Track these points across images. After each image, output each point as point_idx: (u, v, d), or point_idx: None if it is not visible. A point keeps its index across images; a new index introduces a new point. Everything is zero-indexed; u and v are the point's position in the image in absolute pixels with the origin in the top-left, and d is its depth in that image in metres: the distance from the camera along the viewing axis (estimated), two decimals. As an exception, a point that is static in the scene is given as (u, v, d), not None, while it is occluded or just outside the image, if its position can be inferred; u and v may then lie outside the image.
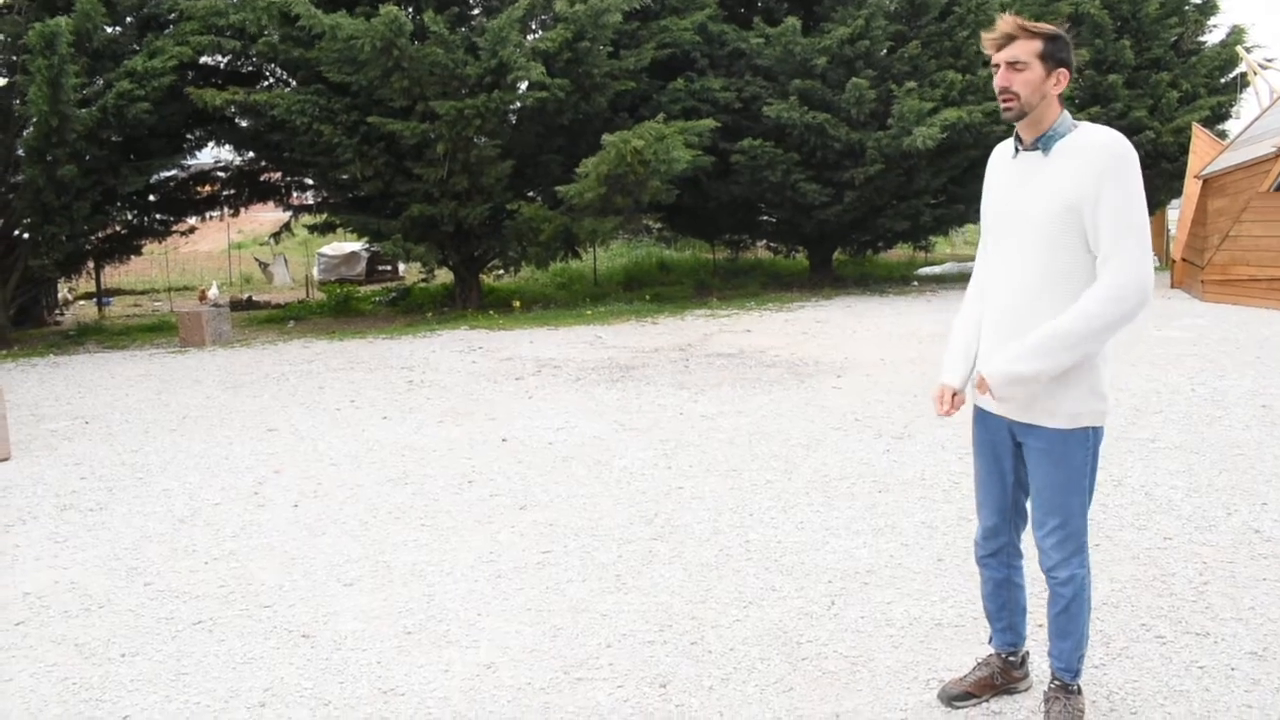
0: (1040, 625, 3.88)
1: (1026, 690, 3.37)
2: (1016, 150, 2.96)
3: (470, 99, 14.39)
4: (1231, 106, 22.65)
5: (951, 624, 3.93)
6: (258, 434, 7.87)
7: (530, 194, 17.16)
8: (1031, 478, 3.05)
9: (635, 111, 16.73)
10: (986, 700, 3.31)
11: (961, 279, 19.97)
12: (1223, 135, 20.20)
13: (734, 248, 24.22)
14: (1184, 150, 19.18)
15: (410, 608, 4.28)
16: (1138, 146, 19.53)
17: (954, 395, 3.17)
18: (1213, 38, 22.68)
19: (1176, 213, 20.75)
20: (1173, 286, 18.05)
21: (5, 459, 7.26)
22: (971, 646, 3.72)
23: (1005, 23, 2.85)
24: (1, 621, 4.29)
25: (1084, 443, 2.95)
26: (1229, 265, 15.15)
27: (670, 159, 14.58)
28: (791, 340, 12.09)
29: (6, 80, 15.00)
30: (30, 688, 3.67)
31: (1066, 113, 2.89)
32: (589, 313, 16.04)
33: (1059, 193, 2.80)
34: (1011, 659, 3.34)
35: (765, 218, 20.31)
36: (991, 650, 3.38)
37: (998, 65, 2.87)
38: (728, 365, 10.38)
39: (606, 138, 14.39)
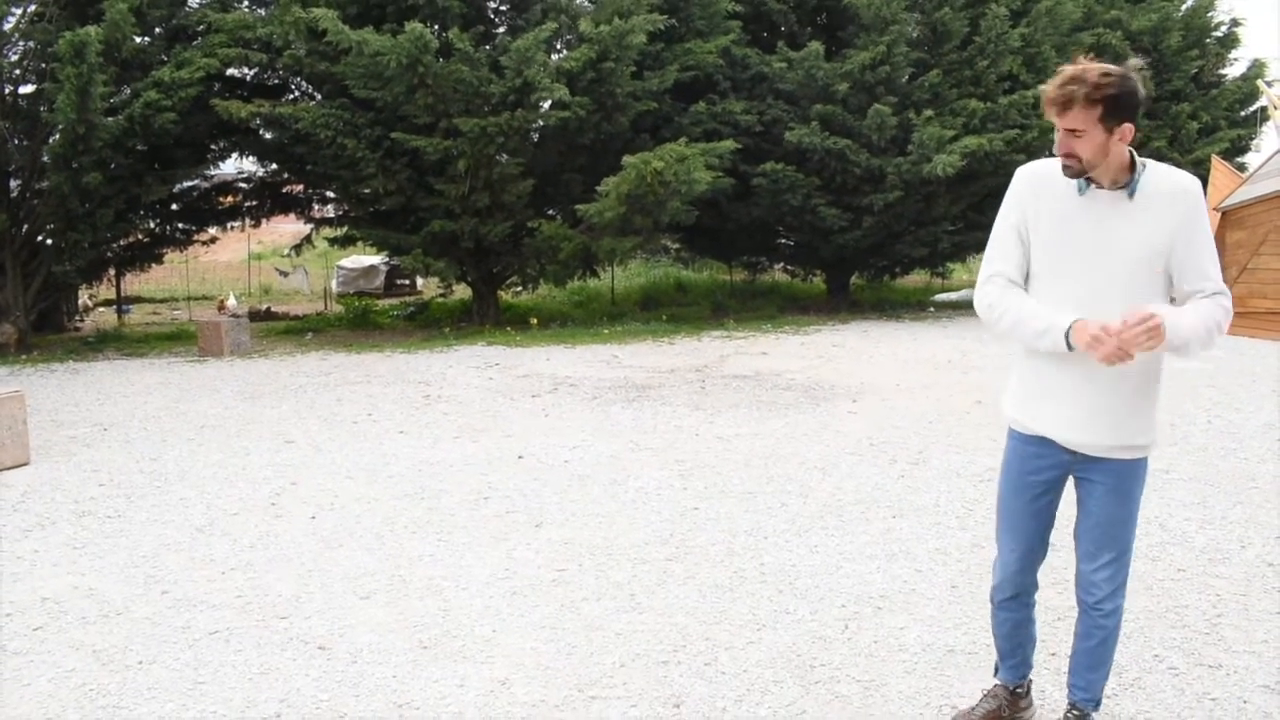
0: (1054, 654, 3.90)
1: (1032, 718, 3.39)
2: (1082, 189, 2.88)
3: (493, 117, 14.49)
4: (1251, 140, 22.62)
5: (965, 650, 3.94)
6: (275, 445, 7.92)
7: (550, 212, 17.24)
8: (1088, 513, 3.04)
9: (657, 132, 16.80)
10: None
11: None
12: (1242, 168, 20.15)
13: (751, 270, 24.25)
14: (1203, 182, 19.15)
15: (426, 622, 4.31)
16: (1158, 178, 19.62)
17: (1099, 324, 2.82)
18: (1234, 71, 22.68)
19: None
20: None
21: (25, 464, 7.33)
22: (984, 674, 3.72)
23: (1063, 89, 2.74)
24: (20, 626, 4.34)
25: (1144, 473, 3.03)
26: (1247, 298, 15.10)
27: (690, 180, 14.64)
28: (808, 364, 12.11)
29: (34, 87, 15.17)
30: (49, 693, 3.71)
31: (1133, 152, 2.85)
32: (606, 332, 16.09)
33: (1150, 236, 2.82)
34: (1019, 690, 3.35)
35: (783, 241, 20.33)
36: (997, 682, 3.37)
37: (1060, 130, 2.81)
38: (744, 387, 10.40)
39: (627, 158, 14.46)
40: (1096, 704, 3.15)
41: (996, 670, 3.37)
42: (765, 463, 7.12)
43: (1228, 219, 16.43)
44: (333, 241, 19.34)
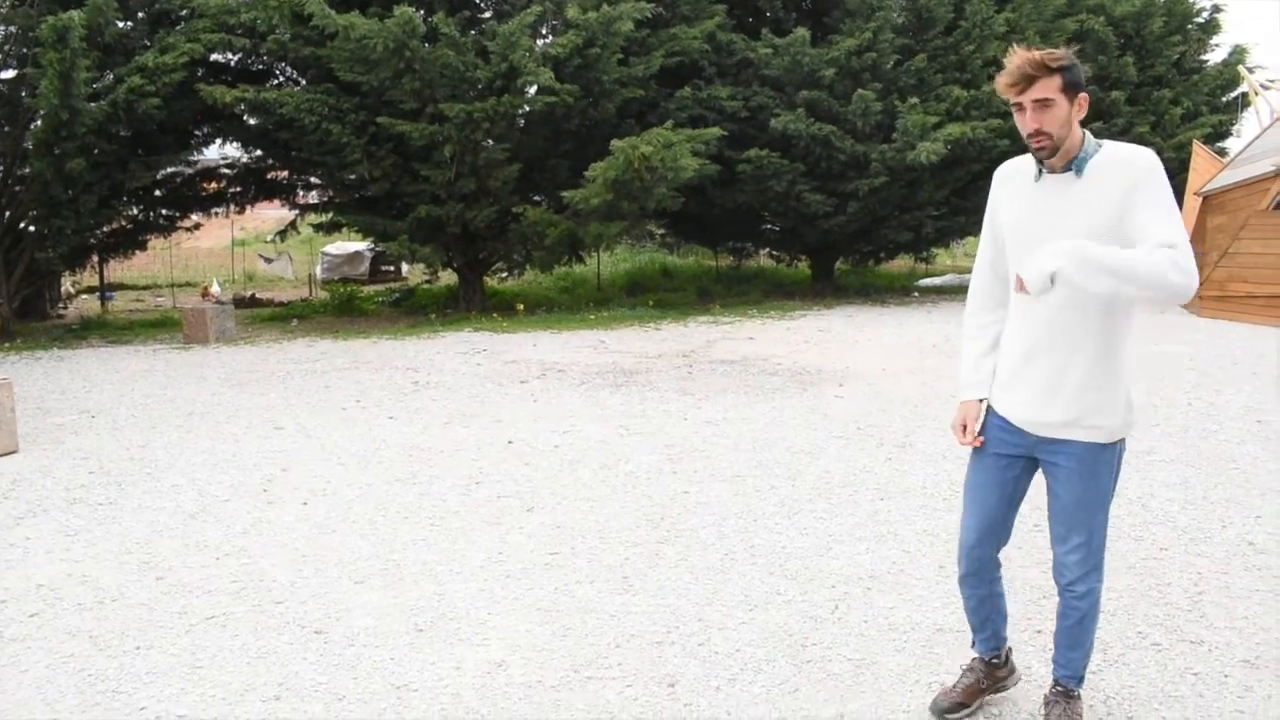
0: (1040, 631, 3.97)
1: (1015, 685, 3.46)
2: (1040, 173, 2.96)
3: (480, 102, 14.47)
4: (1232, 125, 22.78)
5: (953, 629, 4.00)
6: (265, 431, 7.94)
7: (536, 198, 17.25)
8: (1055, 496, 3.07)
9: (643, 118, 16.81)
10: (979, 706, 3.36)
11: (961, 290, 20.04)
12: (1223, 153, 20.30)
13: (737, 255, 24.31)
14: (1184, 167, 19.25)
15: (421, 606, 4.35)
16: (1140, 162, 19.74)
17: (976, 418, 3.17)
18: (1215, 57, 22.81)
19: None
20: (1172, 302, 18.12)
21: (13, 451, 7.33)
22: (970, 653, 3.79)
23: (1023, 63, 2.82)
24: (16, 613, 4.36)
25: (1112, 460, 3.01)
26: (1227, 282, 15.25)
27: (677, 166, 14.66)
28: (794, 349, 12.17)
29: (16, 73, 15.07)
30: (47, 678, 3.74)
31: (1087, 131, 2.92)
32: (592, 317, 16.12)
33: (1098, 210, 2.83)
34: (995, 660, 3.39)
35: (769, 226, 20.38)
36: (975, 655, 3.43)
37: (1019, 105, 2.87)
38: (731, 372, 10.46)
39: (615, 144, 14.46)
40: (1079, 680, 3.19)
41: (973, 643, 3.43)
42: (754, 447, 7.18)
43: (1208, 204, 16.56)
44: (318, 228, 19.31)
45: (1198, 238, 16.87)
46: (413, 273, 25.23)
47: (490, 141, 15.24)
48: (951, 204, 18.57)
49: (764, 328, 14.54)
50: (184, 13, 15.36)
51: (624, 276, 23.18)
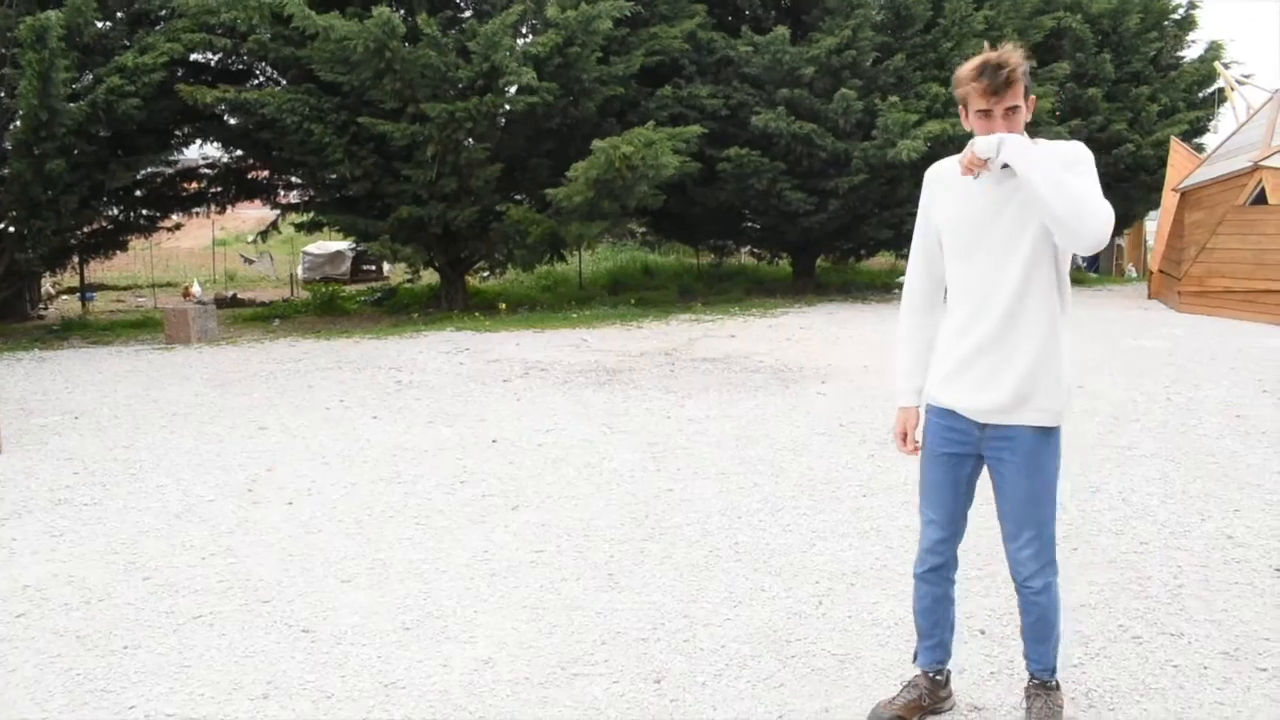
0: (981, 631, 4.02)
1: (950, 709, 3.40)
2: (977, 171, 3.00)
3: (461, 102, 14.47)
4: (1209, 121, 23.01)
5: (936, 625, 4.04)
6: (248, 432, 7.93)
7: (518, 197, 17.25)
8: (1003, 494, 3.10)
9: (624, 117, 16.85)
10: None
11: (943, 287, 20.21)
12: (1200, 149, 20.49)
13: (718, 253, 24.37)
14: (1162, 163, 19.47)
15: (408, 604, 4.38)
16: (1117, 159, 19.89)
17: (915, 426, 3.28)
18: (1191, 53, 23.05)
19: (1154, 225, 21.05)
20: (1150, 297, 18.31)
21: (-3, 453, 7.31)
22: (954, 647, 3.83)
23: (1006, 69, 2.85)
24: (3, 613, 4.36)
25: (1057, 446, 3.07)
26: (1205, 277, 15.40)
27: (658, 165, 14.70)
28: (776, 346, 12.23)
29: (-6, 73, 14.98)
30: (35, 678, 3.74)
31: (1025, 131, 2.99)
32: (574, 316, 16.14)
33: (1032, 202, 2.87)
34: (938, 678, 3.38)
35: (750, 224, 20.44)
36: (917, 670, 3.41)
37: (987, 112, 2.91)
38: (713, 370, 10.50)
39: (596, 143, 14.49)
40: (1051, 672, 3.23)
41: (916, 657, 3.41)
42: (737, 444, 7.22)
43: (1186, 200, 16.72)
44: (299, 227, 19.25)
45: (1175, 233, 17.04)
46: (394, 272, 25.18)
47: (471, 141, 15.24)
48: (932, 201, 18.68)
49: (746, 325, 14.59)
50: (163, 13, 15.30)
51: (606, 275, 23.21)
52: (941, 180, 3.14)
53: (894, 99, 16.58)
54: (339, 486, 6.29)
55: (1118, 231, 24.92)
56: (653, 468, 6.62)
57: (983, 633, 4.00)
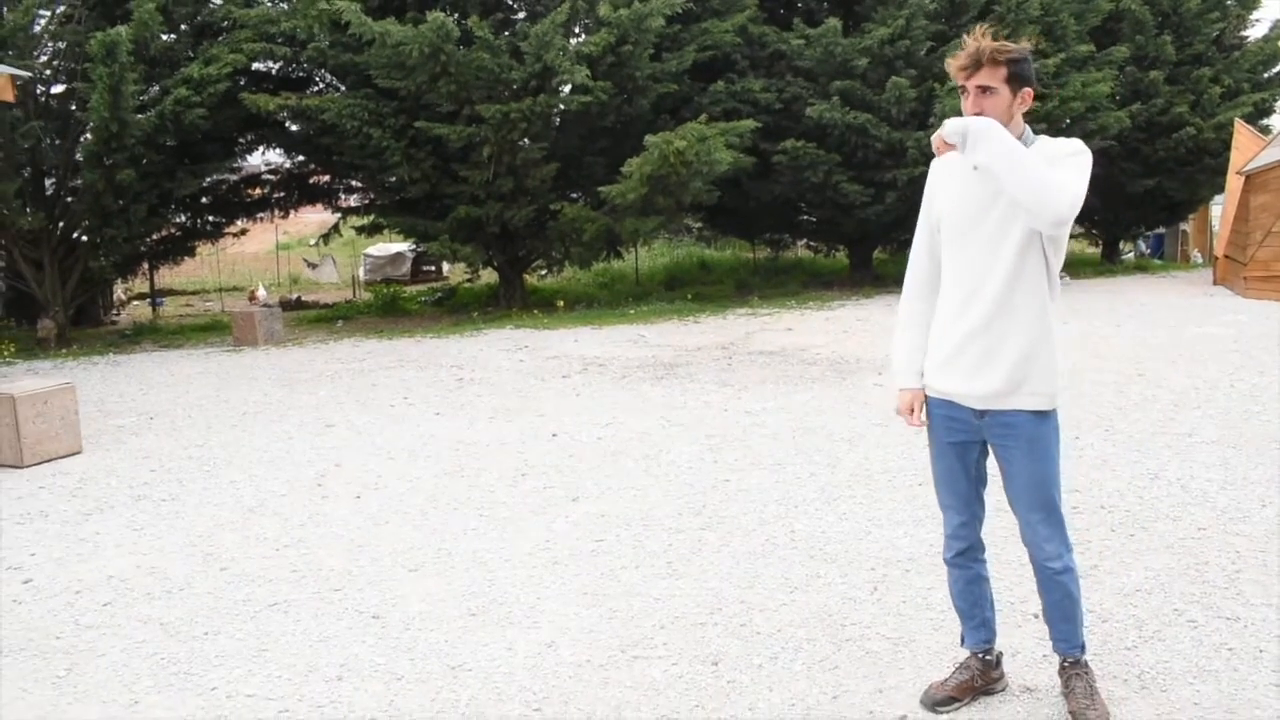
0: (1035, 615, 4.05)
1: (1003, 690, 3.46)
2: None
3: (515, 103, 14.66)
4: (1275, 102, 22.48)
5: (990, 608, 4.10)
6: (316, 429, 8.16)
7: (574, 195, 17.42)
8: (1009, 476, 3.18)
9: (677, 113, 16.93)
10: (968, 703, 3.38)
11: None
12: (1266, 131, 20.07)
13: (774, 247, 24.35)
14: (1226, 146, 19.10)
15: (473, 591, 4.52)
16: (1179, 143, 19.59)
17: (922, 402, 3.34)
18: (1255, 32, 22.55)
19: (1219, 209, 20.65)
20: (1215, 283, 17.99)
21: (77, 452, 7.60)
22: (1008, 630, 3.89)
23: (975, 49, 2.99)
24: (90, 602, 4.58)
25: (1055, 428, 3.14)
26: (1271, 261, 15.11)
27: (712, 160, 14.77)
28: (832, 338, 12.25)
29: (66, 87, 15.48)
30: (122, 662, 3.94)
31: (1027, 126, 3.08)
32: (631, 312, 16.26)
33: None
34: (988, 658, 3.43)
35: (805, 217, 20.42)
36: (966, 652, 3.46)
37: (965, 89, 3.04)
38: (770, 363, 10.56)
39: (649, 139, 14.60)
40: (1081, 649, 3.29)
41: (963, 640, 3.47)
42: (794, 435, 7.29)
43: (1251, 183, 16.41)
44: (360, 230, 19.60)
45: (1240, 217, 16.73)
46: (454, 272, 25.50)
47: (527, 141, 15.43)
48: (989, 190, 18.51)
49: (802, 318, 14.61)
50: (226, 24, 15.70)
51: (662, 271, 23.30)
52: (945, 168, 3.22)
53: (950, 86, 16.47)
54: (404, 480, 6.47)
55: (1182, 216, 24.48)
56: (710, 459, 6.72)
57: (1035, 617, 4.03)
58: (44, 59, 15.31)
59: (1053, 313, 3.10)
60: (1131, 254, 24.71)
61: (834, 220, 18.85)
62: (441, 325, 15.79)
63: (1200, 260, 24.88)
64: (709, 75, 17.25)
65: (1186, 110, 19.85)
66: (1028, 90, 3.02)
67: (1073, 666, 3.29)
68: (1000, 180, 2.89)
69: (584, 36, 16.19)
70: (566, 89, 15.29)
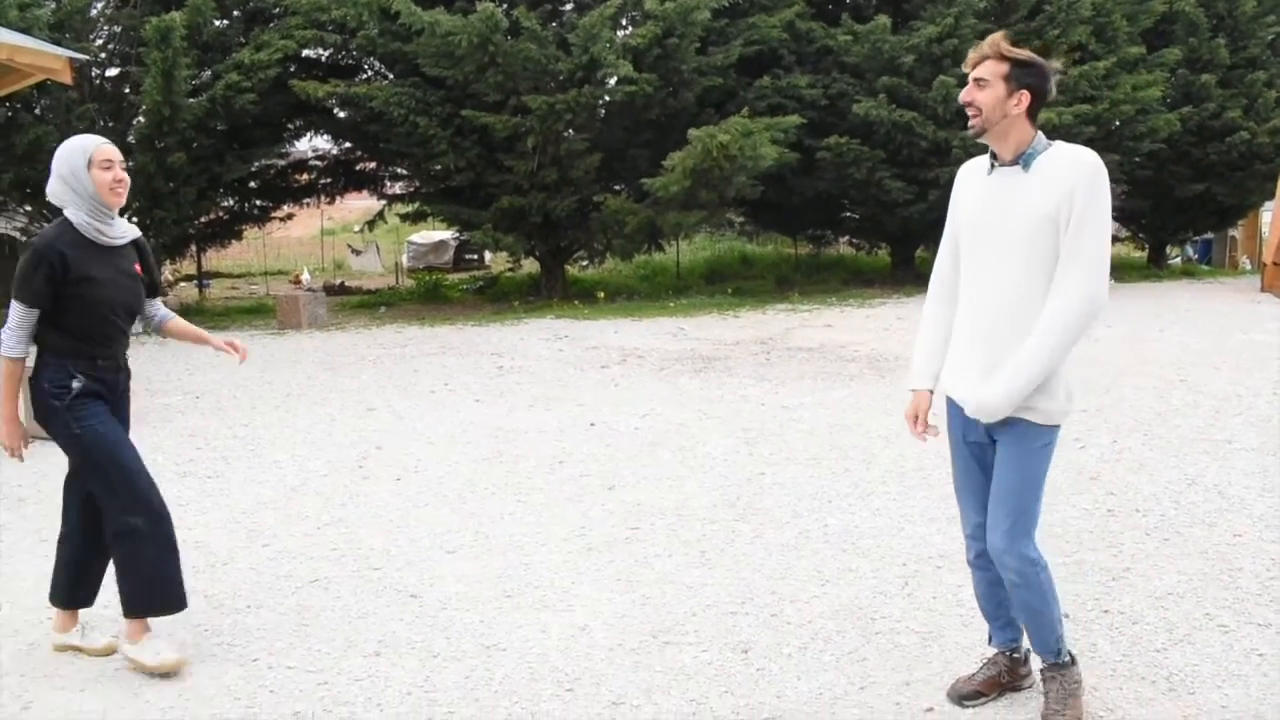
0: (1106, 611, 4.07)
1: (1030, 687, 3.46)
2: (992, 167, 3.12)
3: (561, 94, 14.74)
4: (1332, 108, 22.06)
5: (1020, 607, 4.12)
6: (358, 412, 8.29)
7: (617, 187, 17.46)
8: (994, 477, 3.18)
9: (722, 107, 16.91)
10: (995, 698, 3.41)
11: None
12: (1323, 138, 19.71)
13: (816, 243, 24.25)
14: (1279, 151, 18.82)
15: (508, 574, 4.61)
16: (1231, 148, 19.30)
17: (927, 409, 3.42)
18: (1314, 37, 22.12)
19: (1269, 215, 20.35)
20: (1262, 290, 17.74)
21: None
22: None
23: (986, 44, 3.05)
24: (137, 574, 4.70)
25: (1048, 445, 3.11)
26: (1323, 270, 14.88)
27: (756, 155, 14.76)
28: (872, 336, 12.23)
29: (120, 71, 15.77)
30: (168, 632, 4.03)
31: (1041, 133, 3.06)
32: (671, 305, 16.31)
33: (1038, 204, 2.97)
34: (1015, 655, 3.44)
35: (848, 214, 20.32)
36: (994, 649, 3.48)
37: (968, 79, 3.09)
38: (809, 359, 10.58)
39: (693, 132, 14.62)
40: (1056, 654, 3.23)
41: (990, 639, 3.48)
42: (830, 431, 7.32)
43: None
44: (404, 217, 19.76)
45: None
46: (496, 261, 25.60)
47: (571, 132, 15.50)
48: (1035, 191, 18.36)
49: (842, 315, 14.59)
50: (277, 10, 15.91)
51: (703, 264, 23.29)
52: (965, 177, 3.25)
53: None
54: (443, 464, 6.58)
55: (1231, 222, 24.11)
56: (745, 452, 6.77)
57: (1067, 616, 4.05)
58: (99, 42, 15.60)
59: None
60: (1178, 259, 24.37)
61: (877, 218, 18.77)
62: (483, 313, 15.91)
63: (1249, 266, 24.49)
64: (755, 70, 17.22)
65: (1239, 115, 19.55)
66: (1025, 94, 2.99)
67: (1049, 669, 3.26)
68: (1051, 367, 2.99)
69: (630, 29, 16.23)
70: (612, 81, 15.35)
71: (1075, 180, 2.93)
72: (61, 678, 3.72)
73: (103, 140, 3.73)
